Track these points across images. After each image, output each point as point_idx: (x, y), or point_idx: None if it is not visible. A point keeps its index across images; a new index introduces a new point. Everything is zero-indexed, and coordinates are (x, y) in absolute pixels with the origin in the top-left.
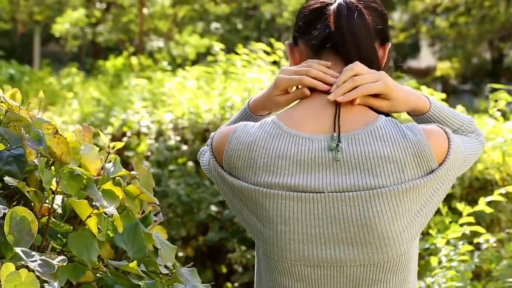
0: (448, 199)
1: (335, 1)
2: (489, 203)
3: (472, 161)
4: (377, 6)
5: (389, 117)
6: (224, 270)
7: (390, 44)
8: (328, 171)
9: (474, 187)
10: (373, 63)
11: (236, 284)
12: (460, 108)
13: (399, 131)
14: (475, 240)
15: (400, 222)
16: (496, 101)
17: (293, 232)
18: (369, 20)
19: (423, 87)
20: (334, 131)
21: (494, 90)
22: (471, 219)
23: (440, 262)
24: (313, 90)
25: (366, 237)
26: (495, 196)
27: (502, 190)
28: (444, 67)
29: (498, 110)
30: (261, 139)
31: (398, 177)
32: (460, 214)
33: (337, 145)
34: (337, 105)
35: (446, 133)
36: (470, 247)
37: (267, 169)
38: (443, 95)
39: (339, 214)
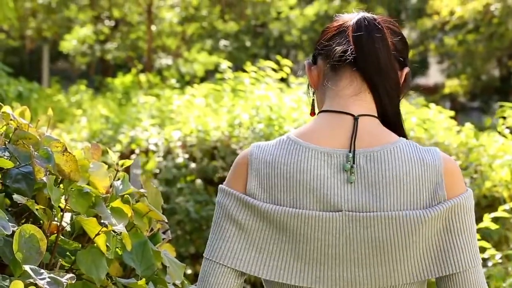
0: None
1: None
2: (497, 221)
3: None
4: (397, 30)
5: (410, 140)
6: None
7: (408, 70)
8: (347, 188)
9: (481, 205)
10: (393, 82)
11: None
12: (468, 126)
13: (418, 153)
14: (481, 256)
15: (412, 248)
16: (504, 118)
17: (313, 251)
18: (390, 39)
19: (432, 104)
20: (350, 150)
21: (503, 107)
22: (477, 237)
23: None
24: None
25: (376, 260)
26: (500, 212)
27: (506, 206)
28: (452, 85)
29: (507, 127)
30: (281, 156)
31: (411, 201)
32: None
33: (352, 166)
34: (355, 120)
35: (465, 184)
36: None
37: (290, 187)
38: (452, 113)
39: (353, 234)
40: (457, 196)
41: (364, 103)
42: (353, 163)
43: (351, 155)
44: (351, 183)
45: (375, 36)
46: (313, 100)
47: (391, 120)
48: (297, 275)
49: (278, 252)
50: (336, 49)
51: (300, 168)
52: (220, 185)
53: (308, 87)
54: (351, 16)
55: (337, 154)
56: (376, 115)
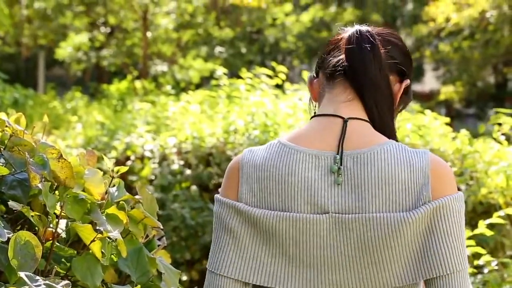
0: None
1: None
2: (493, 228)
3: None
4: (397, 42)
5: (400, 143)
6: None
7: (408, 81)
8: (334, 190)
9: (477, 211)
10: (383, 93)
11: None
12: (464, 132)
13: (406, 155)
14: (475, 262)
15: (397, 250)
16: (500, 124)
17: (302, 254)
18: (382, 50)
19: (427, 111)
20: (338, 152)
21: (498, 114)
22: (472, 243)
23: None
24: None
25: (362, 262)
26: (495, 219)
27: (501, 213)
28: (448, 91)
29: (503, 134)
30: (271, 159)
31: (397, 202)
32: None
33: (339, 168)
34: (345, 122)
35: (458, 188)
36: (470, 270)
37: (280, 189)
38: (447, 119)
39: (340, 236)
40: (442, 197)
41: (356, 107)
42: (340, 165)
43: (338, 157)
44: (339, 185)
45: (365, 47)
46: (314, 113)
47: (380, 131)
48: (288, 280)
49: (269, 257)
50: (331, 60)
51: (289, 170)
52: (215, 195)
53: (310, 101)
54: (351, 30)
55: (325, 156)
56: (367, 119)
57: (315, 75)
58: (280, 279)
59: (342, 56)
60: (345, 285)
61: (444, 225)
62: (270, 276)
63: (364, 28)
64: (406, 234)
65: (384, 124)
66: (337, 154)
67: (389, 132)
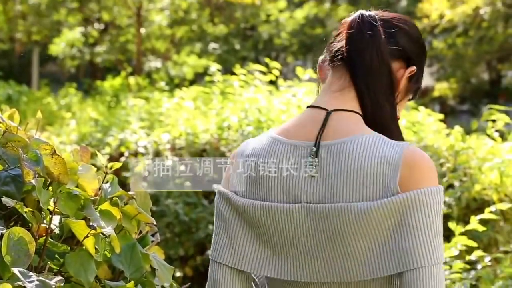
0: (445, 220)
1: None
2: (486, 224)
3: None
4: (404, 27)
5: (380, 135)
6: None
7: (414, 68)
8: (308, 180)
9: (471, 207)
10: (380, 80)
11: None
12: (458, 129)
13: (381, 147)
14: (467, 258)
15: (363, 242)
16: (494, 121)
17: (280, 243)
18: (384, 36)
19: (421, 107)
20: (315, 143)
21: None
22: (464, 238)
23: None
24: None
25: (333, 253)
26: (487, 214)
27: (493, 208)
28: (442, 88)
29: (496, 130)
30: (257, 149)
31: (365, 193)
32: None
33: (312, 159)
34: (327, 115)
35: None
36: (462, 265)
37: (262, 179)
38: (441, 116)
39: (312, 226)
40: (414, 190)
41: (346, 98)
42: (316, 156)
43: (314, 148)
44: (312, 176)
45: (365, 33)
46: None
47: (375, 120)
48: (271, 268)
49: (257, 245)
50: (335, 45)
51: (270, 160)
52: (213, 185)
53: (318, 85)
54: (355, 14)
55: (303, 146)
56: (357, 110)
57: (324, 59)
58: (265, 267)
59: (342, 39)
60: (321, 275)
61: (414, 219)
62: (257, 263)
63: (367, 12)
64: (370, 224)
65: (378, 113)
66: (314, 145)
67: (385, 121)
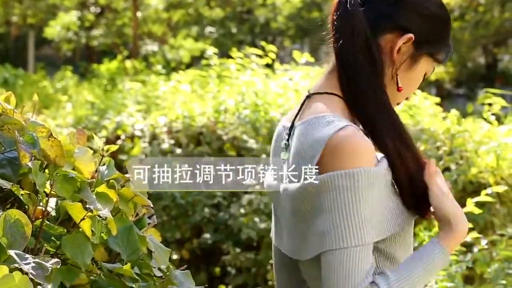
0: None
1: None
2: (482, 207)
3: None
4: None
5: (332, 116)
6: (218, 272)
7: (409, 36)
8: (280, 160)
9: (467, 190)
10: (362, 61)
11: (230, 287)
12: (454, 112)
13: (317, 128)
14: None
15: (298, 224)
16: (490, 104)
17: (275, 218)
18: (368, 8)
19: (418, 91)
20: (290, 127)
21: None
22: None
23: None
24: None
25: (291, 230)
26: (483, 197)
27: (489, 191)
28: (438, 71)
29: (493, 114)
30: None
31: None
32: None
33: (288, 140)
34: (306, 98)
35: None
36: (458, 247)
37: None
38: (438, 99)
39: (284, 203)
40: (325, 174)
41: (330, 81)
42: (288, 138)
43: (287, 131)
44: (286, 157)
45: (344, 14)
46: None
47: (357, 106)
48: (274, 237)
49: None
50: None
51: (273, 142)
52: None
53: None
54: None
55: (284, 128)
56: (337, 92)
57: None
58: (274, 235)
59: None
60: (291, 251)
61: (326, 202)
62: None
63: None
64: (296, 207)
65: (356, 94)
66: (289, 128)
67: (366, 107)
